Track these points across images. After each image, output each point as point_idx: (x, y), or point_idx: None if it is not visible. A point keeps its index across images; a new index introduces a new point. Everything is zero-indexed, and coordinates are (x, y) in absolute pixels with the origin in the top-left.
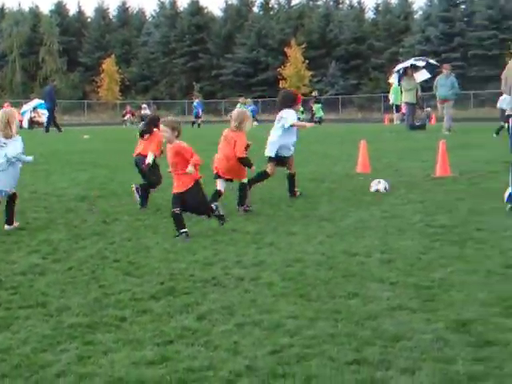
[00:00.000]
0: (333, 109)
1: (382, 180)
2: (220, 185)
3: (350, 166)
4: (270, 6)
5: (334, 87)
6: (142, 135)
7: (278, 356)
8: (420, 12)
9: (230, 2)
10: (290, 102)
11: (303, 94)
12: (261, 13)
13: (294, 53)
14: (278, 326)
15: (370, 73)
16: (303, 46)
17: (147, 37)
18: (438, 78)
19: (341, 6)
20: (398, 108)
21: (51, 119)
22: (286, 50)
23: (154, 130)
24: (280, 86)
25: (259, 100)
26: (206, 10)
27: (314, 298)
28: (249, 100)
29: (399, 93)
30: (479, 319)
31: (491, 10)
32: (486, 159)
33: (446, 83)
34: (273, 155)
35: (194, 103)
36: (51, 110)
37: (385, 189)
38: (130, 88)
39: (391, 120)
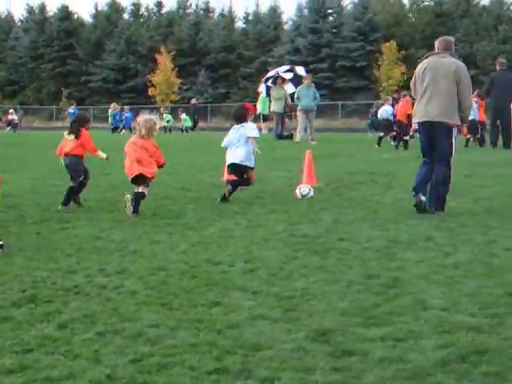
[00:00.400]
0: (202, 117)
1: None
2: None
3: (216, 175)
4: (141, 13)
5: (203, 95)
6: (70, 133)
7: (139, 365)
8: (290, 22)
9: (99, 8)
10: (247, 115)
11: (172, 101)
12: (131, 19)
13: (164, 60)
14: (140, 334)
15: (239, 82)
16: (172, 53)
17: (15, 41)
18: (299, 88)
19: (211, 14)
20: (266, 118)
21: None
22: (156, 56)
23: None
24: (149, 93)
25: (128, 107)
26: (75, 16)
27: (176, 306)
28: (126, 107)
29: (267, 103)
30: (339, 329)
31: (359, 21)
32: (351, 170)
33: (308, 94)
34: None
35: (70, 110)
36: None
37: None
38: None
39: (260, 129)
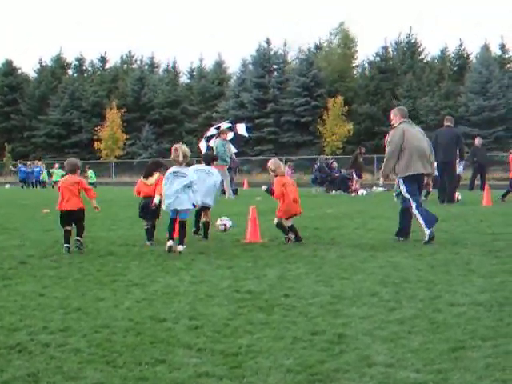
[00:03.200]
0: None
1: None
2: None
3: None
4: (85, 68)
5: (147, 150)
6: (147, 177)
7: None
8: (234, 77)
9: (44, 64)
10: (211, 160)
11: (117, 156)
12: (75, 75)
13: (113, 115)
14: None
15: (183, 137)
16: (123, 110)
17: None
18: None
19: (156, 69)
20: None
21: None
22: (105, 111)
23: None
24: (95, 147)
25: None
26: (19, 71)
27: (120, 364)
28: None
29: None
30: None
31: (304, 77)
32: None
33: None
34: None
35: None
36: None
37: (230, 226)
38: None
39: None
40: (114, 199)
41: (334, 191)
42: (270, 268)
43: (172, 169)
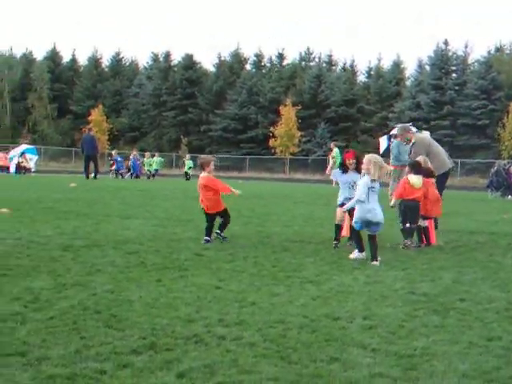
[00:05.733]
0: (319, 169)
1: None
2: None
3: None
4: (263, 64)
5: (322, 148)
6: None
7: None
8: (411, 78)
9: (222, 58)
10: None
11: (292, 153)
12: (253, 70)
13: (288, 112)
14: None
15: (358, 136)
16: (299, 106)
17: (139, 88)
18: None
19: (333, 67)
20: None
21: (97, 167)
22: (280, 108)
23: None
24: (270, 144)
25: (247, 157)
26: (199, 65)
27: (295, 360)
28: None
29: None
30: None
31: (482, 80)
32: (471, 229)
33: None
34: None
35: (118, 157)
36: (91, 158)
37: None
38: (119, 138)
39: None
40: (289, 195)
41: (510, 196)
42: (445, 271)
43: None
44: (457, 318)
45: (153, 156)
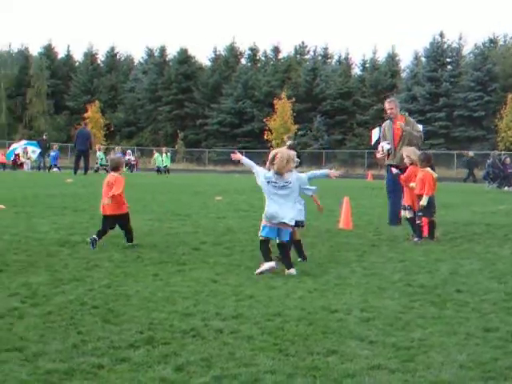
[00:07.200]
0: (315, 163)
1: None
2: None
3: (332, 221)
4: (258, 58)
5: (318, 141)
6: None
7: None
8: (407, 70)
9: (218, 53)
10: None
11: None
12: (248, 64)
13: (283, 105)
14: (256, 380)
15: (354, 128)
16: (293, 99)
17: (134, 83)
18: None
19: (329, 60)
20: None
21: (88, 162)
22: (274, 102)
23: None
24: (265, 137)
25: (243, 151)
26: (194, 60)
27: (292, 353)
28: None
29: None
30: (457, 382)
31: (478, 71)
32: (468, 220)
33: None
34: None
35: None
36: (83, 153)
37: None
38: (115, 133)
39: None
40: None
41: (506, 187)
42: (442, 263)
43: None
44: (454, 310)
45: (166, 152)
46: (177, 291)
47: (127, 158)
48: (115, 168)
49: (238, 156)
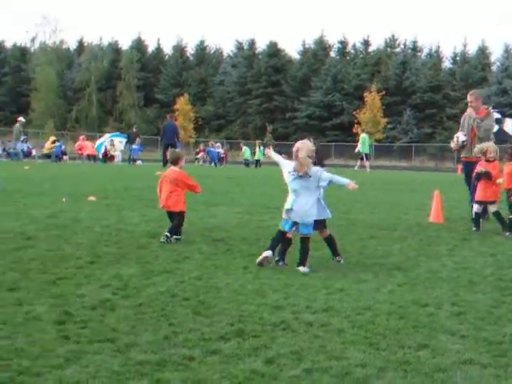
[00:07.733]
0: (405, 156)
1: None
2: None
3: (422, 215)
4: (347, 51)
5: (407, 135)
6: None
7: None
8: (497, 64)
9: (307, 46)
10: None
11: (377, 140)
12: (338, 57)
13: (372, 98)
14: (347, 373)
15: (444, 122)
16: (383, 93)
17: (223, 76)
18: None
19: (418, 53)
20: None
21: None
22: (364, 95)
23: None
24: (354, 130)
25: (332, 143)
26: (283, 53)
27: (383, 347)
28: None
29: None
30: None
31: None
32: None
33: None
34: None
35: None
36: (171, 147)
37: None
38: (204, 126)
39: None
40: (373, 183)
41: None
42: None
43: None
44: None
45: (259, 146)
46: (267, 284)
47: (217, 150)
48: (175, 161)
49: (267, 151)
